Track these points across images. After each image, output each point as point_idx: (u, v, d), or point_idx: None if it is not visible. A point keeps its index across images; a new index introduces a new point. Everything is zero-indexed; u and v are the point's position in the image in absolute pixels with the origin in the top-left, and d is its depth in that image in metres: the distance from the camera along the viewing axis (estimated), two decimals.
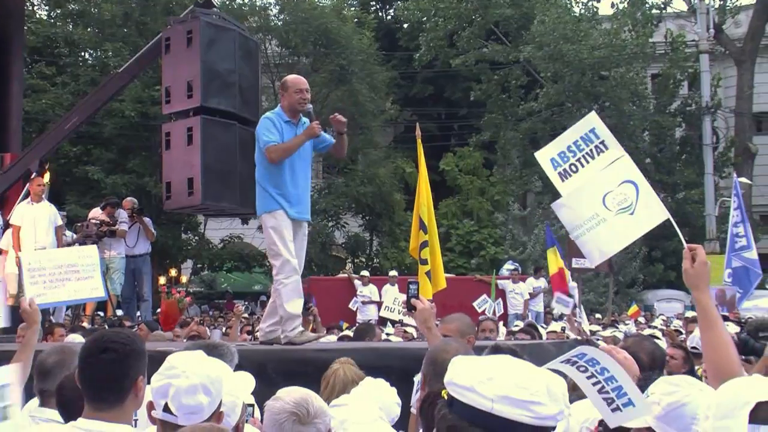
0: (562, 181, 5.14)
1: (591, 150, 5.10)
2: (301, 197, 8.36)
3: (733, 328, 8.31)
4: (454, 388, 2.16)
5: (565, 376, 2.77)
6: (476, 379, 2.13)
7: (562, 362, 2.88)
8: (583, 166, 5.11)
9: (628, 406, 2.79)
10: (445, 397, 2.23)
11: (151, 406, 3.49)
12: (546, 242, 19.91)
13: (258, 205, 8.38)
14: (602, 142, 5.10)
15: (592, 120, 5.21)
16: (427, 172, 11.67)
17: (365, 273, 24.50)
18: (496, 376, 2.13)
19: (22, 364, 4.77)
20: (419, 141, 11.87)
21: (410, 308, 5.48)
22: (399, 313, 13.59)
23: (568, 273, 18.44)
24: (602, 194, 4.98)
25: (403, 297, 11.54)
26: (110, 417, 3.40)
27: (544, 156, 5.24)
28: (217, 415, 3.49)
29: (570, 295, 16.86)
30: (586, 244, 5.05)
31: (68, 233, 15.24)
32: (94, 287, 6.70)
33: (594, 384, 2.84)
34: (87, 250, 7.44)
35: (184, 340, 11.87)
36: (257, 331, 9.52)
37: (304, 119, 8.42)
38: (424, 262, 11.33)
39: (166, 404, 3.39)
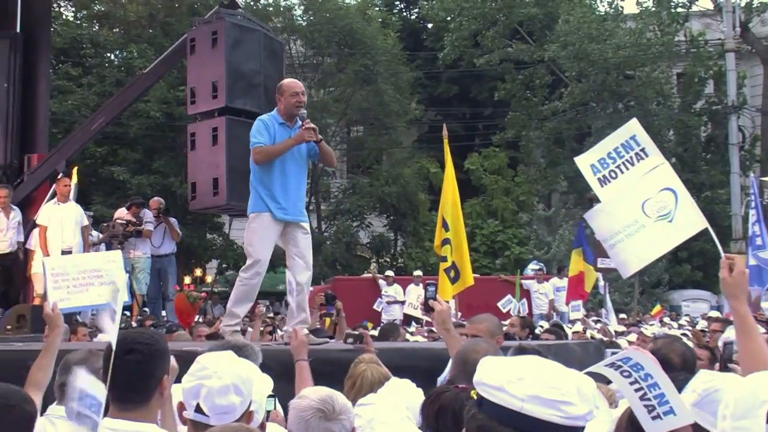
0: (602, 186, 5.13)
1: (631, 157, 5.08)
2: (291, 199, 8.37)
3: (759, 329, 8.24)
4: (484, 388, 2.16)
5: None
6: (506, 378, 2.13)
7: (606, 366, 2.87)
8: (623, 172, 5.09)
9: (668, 414, 2.76)
10: (474, 397, 2.22)
11: (181, 407, 3.51)
12: (574, 242, 19.79)
13: (248, 205, 8.43)
14: (643, 150, 5.08)
15: (633, 127, 5.19)
16: (453, 172, 11.62)
17: (390, 273, 24.51)
18: (526, 376, 2.13)
19: (45, 366, 4.80)
20: (446, 141, 11.86)
21: (428, 309, 5.48)
22: (423, 312, 13.60)
23: (593, 276, 18.36)
24: (642, 201, 4.95)
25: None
26: (136, 416, 3.42)
27: (584, 162, 5.22)
28: (247, 415, 3.51)
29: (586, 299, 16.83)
30: (623, 251, 5.01)
31: (94, 233, 15.32)
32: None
33: (636, 390, 2.81)
34: (111, 255, 7.47)
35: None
36: (283, 330, 9.54)
37: (300, 123, 8.43)
38: (444, 259, 11.33)
39: (198, 405, 3.41)
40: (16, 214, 13.58)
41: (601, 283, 19.48)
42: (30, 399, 3.46)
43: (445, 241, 11.49)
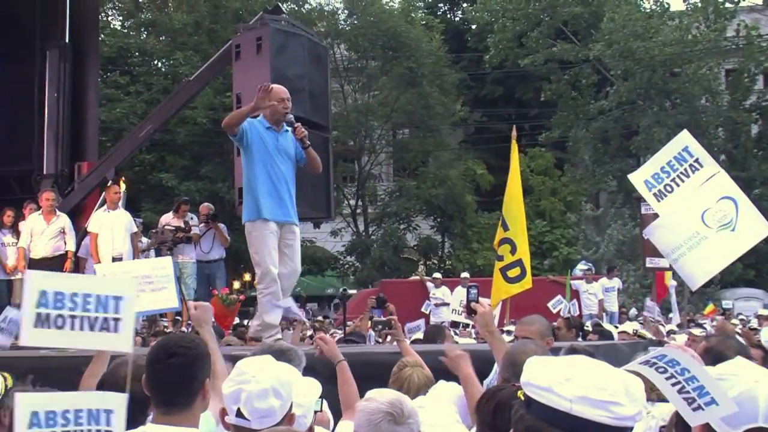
0: (658, 201, 5.08)
1: (686, 169, 5.03)
2: (283, 201, 8.35)
3: None
4: (532, 389, 2.15)
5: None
6: (554, 379, 2.12)
7: (641, 363, 2.86)
8: (678, 185, 5.04)
9: (710, 405, 2.75)
10: (521, 398, 2.23)
11: (223, 412, 3.54)
12: None
13: (244, 213, 8.42)
14: (696, 160, 5.03)
15: (684, 139, 5.14)
16: (519, 172, 11.64)
17: (437, 275, 24.47)
18: (573, 377, 2.13)
19: (97, 373, 4.85)
20: (514, 141, 11.85)
21: (470, 312, 5.47)
22: (465, 315, 13.57)
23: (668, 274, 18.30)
24: (701, 212, 4.90)
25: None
26: (179, 421, 3.44)
27: (638, 178, 5.18)
28: (288, 418, 3.54)
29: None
30: (687, 265, 4.95)
31: (144, 240, 15.45)
32: (168, 298, 6.79)
33: (674, 385, 2.81)
34: (161, 261, 7.55)
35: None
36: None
37: (287, 127, 8.44)
38: (500, 258, 11.30)
39: (238, 409, 3.44)
40: (61, 221, 13.59)
41: (672, 282, 19.31)
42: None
43: (503, 241, 11.48)
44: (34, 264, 12.94)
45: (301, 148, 8.46)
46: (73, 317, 2.84)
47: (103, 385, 4.08)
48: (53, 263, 13.05)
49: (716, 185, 4.92)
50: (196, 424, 3.54)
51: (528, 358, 2.40)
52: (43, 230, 13.42)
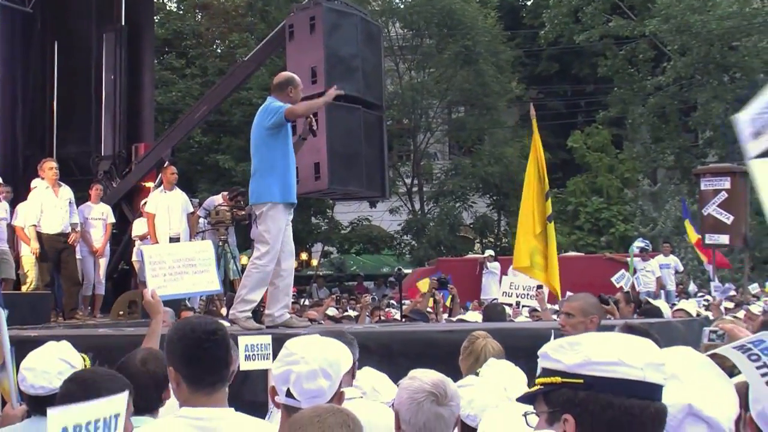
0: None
1: None
2: (294, 184, 8.58)
3: None
4: (596, 367, 2.14)
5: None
6: (620, 352, 2.15)
7: (734, 348, 2.77)
8: None
9: None
10: (559, 382, 2.20)
11: (273, 392, 3.56)
12: (682, 214, 19.51)
13: (258, 193, 8.47)
14: None
15: None
16: (542, 149, 11.40)
17: (489, 252, 24.39)
18: (632, 347, 2.18)
19: None
20: (534, 121, 11.69)
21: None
22: (517, 297, 13.44)
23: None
24: None
25: (525, 281, 11.47)
26: (217, 401, 3.40)
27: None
28: (338, 396, 3.55)
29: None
30: None
31: (202, 221, 15.53)
32: (210, 280, 6.91)
33: (763, 375, 2.70)
34: (202, 245, 7.74)
35: (321, 322, 12.07)
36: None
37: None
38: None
39: (288, 390, 3.45)
40: (66, 193, 13.05)
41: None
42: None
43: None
44: (49, 240, 12.67)
45: (302, 137, 8.85)
46: None
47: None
48: (66, 238, 12.80)
49: None
50: (227, 404, 3.51)
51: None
52: (55, 204, 12.80)
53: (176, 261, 6.65)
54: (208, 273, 6.89)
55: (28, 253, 12.77)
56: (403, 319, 11.72)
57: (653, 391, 2.14)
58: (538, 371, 2.30)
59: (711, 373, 2.61)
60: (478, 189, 36.73)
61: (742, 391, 2.71)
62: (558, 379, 2.21)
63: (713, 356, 2.75)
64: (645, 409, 2.12)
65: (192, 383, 3.38)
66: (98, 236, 14.18)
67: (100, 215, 14.23)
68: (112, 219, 14.48)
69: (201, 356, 3.38)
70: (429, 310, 12.70)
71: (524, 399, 2.37)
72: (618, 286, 16.76)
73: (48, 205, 12.68)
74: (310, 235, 35.16)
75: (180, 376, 3.40)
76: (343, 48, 12.94)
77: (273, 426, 3.73)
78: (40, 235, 12.57)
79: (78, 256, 13.56)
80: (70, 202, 13.01)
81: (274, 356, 4.02)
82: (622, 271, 18.31)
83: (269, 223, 8.31)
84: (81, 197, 14.14)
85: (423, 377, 3.61)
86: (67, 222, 12.88)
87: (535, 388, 2.28)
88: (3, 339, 5.00)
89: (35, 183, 13.09)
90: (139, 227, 14.43)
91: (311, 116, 8.67)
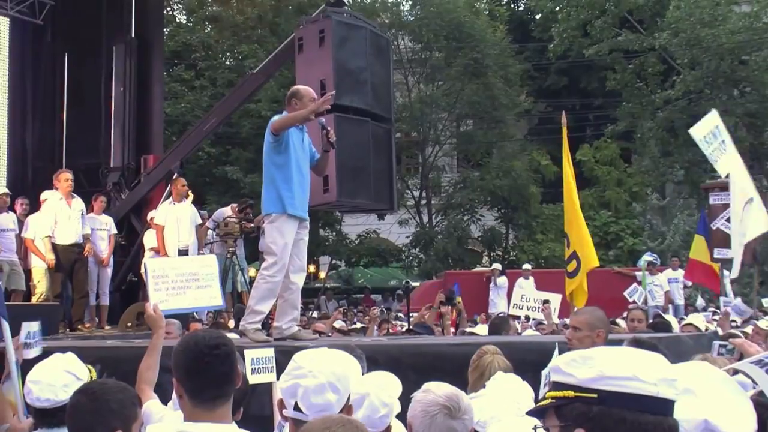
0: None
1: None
2: (306, 198, 8.59)
3: None
4: (610, 382, 2.13)
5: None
6: (634, 367, 2.14)
7: (751, 363, 2.76)
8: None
9: None
10: (569, 397, 2.19)
11: (281, 405, 3.54)
12: (697, 228, 19.33)
13: (263, 205, 8.48)
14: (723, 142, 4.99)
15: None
16: (569, 158, 11.40)
17: (497, 266, 24.35)
18: (645, 362, 2.17)
19: (152, 364, 4.92)
20: (564, 129, 11.60)
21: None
22: (527, 310, 13.41)
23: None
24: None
25: (536, 294, 11.44)
26: (221, 416, 3.36)
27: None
28: (346, 409, 3.52)
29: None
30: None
31: (210, 232, 15.57)
32: (213, 296, 6.91)
33: None
34: (206, 259, 7.72)
35: (329, 334, 12.05)
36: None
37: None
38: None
39: (296, 403, 3.44)
40: (79, 204, 13.28)
41: (726, 273, 19.03)
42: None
43: (564, 236, 11.27)
44: (63, 251, 12.87)
45: (324, 150, 8.68)
46: None
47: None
48: (80, 249, 13.08)
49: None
50: (231, 419, 3.46)
51: None
52: (69, 215, 13.04)
53: (179, 275, 6.65)
54: (211, 288, 6.89)
55: (39, 265, 12.87)
56: (408, 333, 11.70)
57: (666, 406, 2.13)
58: (545, 385, 2.29)
59: (728, 388, 2.60)
60: (486, 202, 36.67)
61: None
62: (571, 393, 2.19)
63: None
64: (659, 424, 2.11)
65: (193, 396, 3.36)
66: (103, 247, 14.24)
67: (104, 226, 14.30)
68: (114, 230, 14.54)
69: (202, 370, 3.36)
70: (435, 323, 12.69)
71: (534, 413, 2.35)
72: (631, 300, 16.72)
73: (62, 217, 12.84)
74: (318, 247, 35.15)
75: (183, 388, 3.39)
76: (352, 61, 12.96)
77: None
78: (54, 246, 12.70)
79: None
80: (82, 214, 13.17)
81: (278, 369, 4.01)
82: (635, 285, 18.26)
83: (275, 234, 8.32)
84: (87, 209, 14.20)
85: (437, 390, 3.61)
86: (80, 233, 13.06)
87: (546, 401, 2.25)
88: (8, 351, 5.00)
89: (46, 195, 13.18)
90: (150, 238, 14.45)
91: (328, 129, 8.62)
